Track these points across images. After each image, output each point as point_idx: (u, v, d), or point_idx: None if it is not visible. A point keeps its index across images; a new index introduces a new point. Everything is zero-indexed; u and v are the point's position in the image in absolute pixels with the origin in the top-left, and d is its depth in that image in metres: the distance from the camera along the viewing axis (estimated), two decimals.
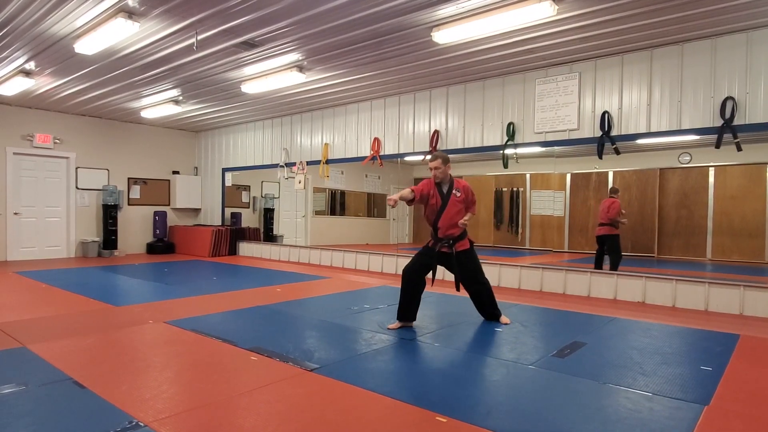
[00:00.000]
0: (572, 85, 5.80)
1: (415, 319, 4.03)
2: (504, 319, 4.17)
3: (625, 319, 4.45)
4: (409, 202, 3.92)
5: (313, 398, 2.47)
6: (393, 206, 3.66)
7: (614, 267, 6.63)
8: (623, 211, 6.95)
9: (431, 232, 4.06)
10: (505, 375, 2.88)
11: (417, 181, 13.43)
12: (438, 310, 4.80)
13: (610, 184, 10.10)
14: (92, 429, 2.07)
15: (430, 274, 4.02)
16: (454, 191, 3.98)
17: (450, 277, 7.03)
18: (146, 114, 8.96)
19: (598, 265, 6.80)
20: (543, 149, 6.52)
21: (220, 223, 10.64)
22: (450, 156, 4.11)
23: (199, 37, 5.09)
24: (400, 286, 3.98)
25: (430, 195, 3.98)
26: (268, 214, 11.14)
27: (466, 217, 3.98)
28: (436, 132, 6.96)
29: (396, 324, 3.96)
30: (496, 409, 2.36)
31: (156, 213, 10.37)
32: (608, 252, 6.82)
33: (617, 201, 6.97)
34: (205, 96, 7.75)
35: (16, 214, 8.66)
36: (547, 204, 10.96)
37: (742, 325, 4.33)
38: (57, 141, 9.08)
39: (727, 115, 4.79)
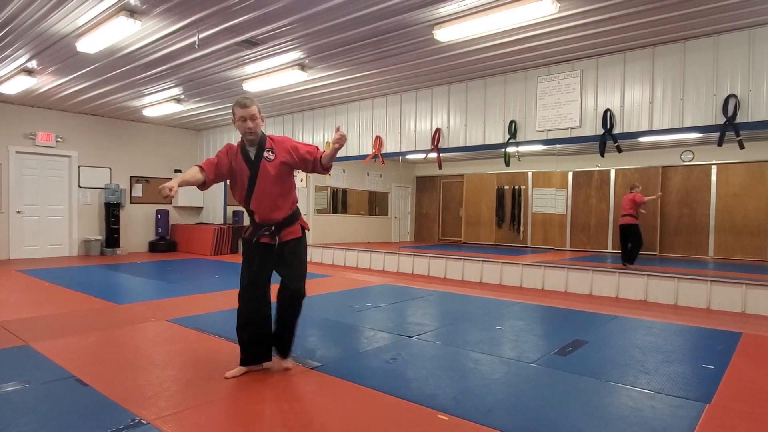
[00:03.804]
0: (574, 83, 5.79)
1: (270, 358, 2.83)
2: (288, 363, 2.87)
3: (626, 317, 4.45)
4: (202, 185, 2.66)
5: (314, 396, 2.48)
6: (168, 197, 2.36)
7: (634, 254, 7.05)
8: (644, 202, 7.46)
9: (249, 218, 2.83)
10: (507, 373, 2.88)
11: (419, 180, 13.43)
12: (439, 308, 4.80)
13: (612, 183, 10.09)
14: (95, 427, 2.08)
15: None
16: (265, 155, 2.67)
17: (451, 273, 7.08)
18: (148, 112, 8.97)
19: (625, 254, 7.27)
20: (545, 147, 6.52)
21: (222, 222, 10.66)
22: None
23: (201, 36, 5.09)
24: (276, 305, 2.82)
25: (233, 168, 2.70)
26: None
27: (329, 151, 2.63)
28: (438, 130, 6.95)
29: (237, 371, 2.73)
30: (498, 407, 2.36)
31: (158, 211, 10.39)
32: (630, 240, 7.25)
33: (639, 194, 7.36)
34: (206, 94, 7.75)
35: (18, 212, 8.68)
36: (548, 202, 10.95)
37: (744, 323, 4.32)
38: (59, 139, 9.10)
39: (730, 112, 4.78)
